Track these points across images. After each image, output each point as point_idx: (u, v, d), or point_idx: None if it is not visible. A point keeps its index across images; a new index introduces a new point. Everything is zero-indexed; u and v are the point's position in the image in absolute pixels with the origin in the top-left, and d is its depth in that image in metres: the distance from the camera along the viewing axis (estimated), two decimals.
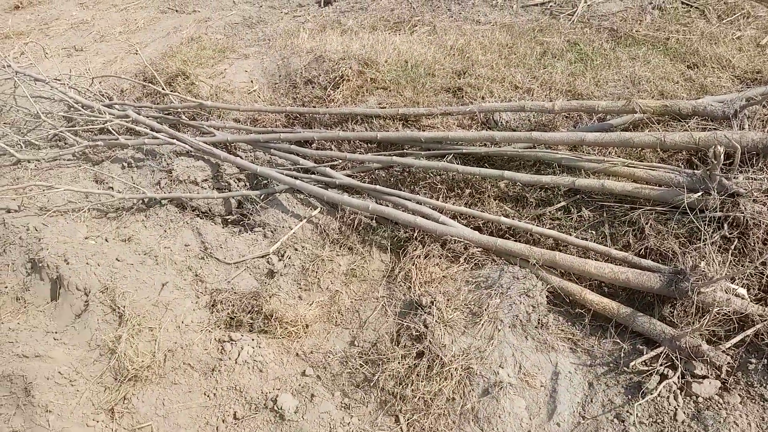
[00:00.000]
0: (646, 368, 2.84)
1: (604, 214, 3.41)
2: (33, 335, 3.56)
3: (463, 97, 4.37)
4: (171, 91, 5.15)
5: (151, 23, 7.77)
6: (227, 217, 4.39)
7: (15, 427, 3.06)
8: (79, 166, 4.99)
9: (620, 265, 3.10)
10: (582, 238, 3.31)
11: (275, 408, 3.05)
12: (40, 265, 3.88)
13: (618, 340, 2.98)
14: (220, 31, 6.80)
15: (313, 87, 4.90)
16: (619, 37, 4.90)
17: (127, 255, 3.96)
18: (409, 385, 2.98)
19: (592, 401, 2.87)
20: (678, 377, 2.76)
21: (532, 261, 3.19)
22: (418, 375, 2.99)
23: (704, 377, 2.76)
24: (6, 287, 3.95)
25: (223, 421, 3.08)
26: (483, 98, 4.28)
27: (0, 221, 4.33)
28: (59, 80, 5.68)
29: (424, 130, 4.12)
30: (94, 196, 4.53)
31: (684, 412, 2.69)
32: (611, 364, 2.98)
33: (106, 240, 4.16)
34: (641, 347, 2.93)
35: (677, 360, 2.78)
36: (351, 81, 4.62)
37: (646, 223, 3.21)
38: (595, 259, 3.19)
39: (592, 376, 2.96)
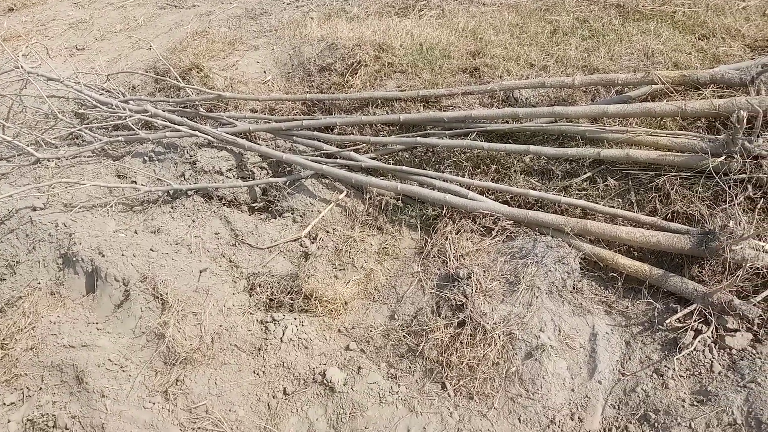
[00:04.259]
0: (681, 325, 2.96)
1: (630, 182, 3.53)
2: (75, 326, 3.64)
3: (480, 77, 4.45)
4: (186, 85, 5.20)
5: (152, 19, 7.76)
6: (253, 204, 4.47)
7: (74, 412, 3.15)
8: (99, 162, 5.03)
9: (649, 229, 3.23)
10: (609, 206, 3.42)
11: (324, 381, 3.16)
12: (74, 259, 3.94)
13: (651, 301, 3.11)
14: (224, 24, 6.82)
15: (329, 74, 4.97)
16: (627, 12, 4.99)
17: (160, 245, 4.03)
18: (454, 352, 3.10)
19: (630, 359, 3.00)
20: (712, 331, 2.89)
21: (566, 230, 3.29)
22: (461, 343, 3.11)
23: (736, 330, 2.89)
24: (39, 283, 4.01)
25: (273, 397, 3.19)
26: (500, 77, 4.37)
27: (27, 219, 4.36)
28: (72, 79, 5.70)
29: (445, 111, 4.21)
30: (119, 190, 4.57)
31: (720, 364, 2.83)
32: (646, 324, 3.10)
33: (136, 232, 4.21)
34: (674, 306, 3.05)
35: (710, 315, 2.91)
36: (368, 66, 4.70)
37: (672, 189, 3.33)
38: (624, 225, 3.32)
39: (629, 336, 3.09)
